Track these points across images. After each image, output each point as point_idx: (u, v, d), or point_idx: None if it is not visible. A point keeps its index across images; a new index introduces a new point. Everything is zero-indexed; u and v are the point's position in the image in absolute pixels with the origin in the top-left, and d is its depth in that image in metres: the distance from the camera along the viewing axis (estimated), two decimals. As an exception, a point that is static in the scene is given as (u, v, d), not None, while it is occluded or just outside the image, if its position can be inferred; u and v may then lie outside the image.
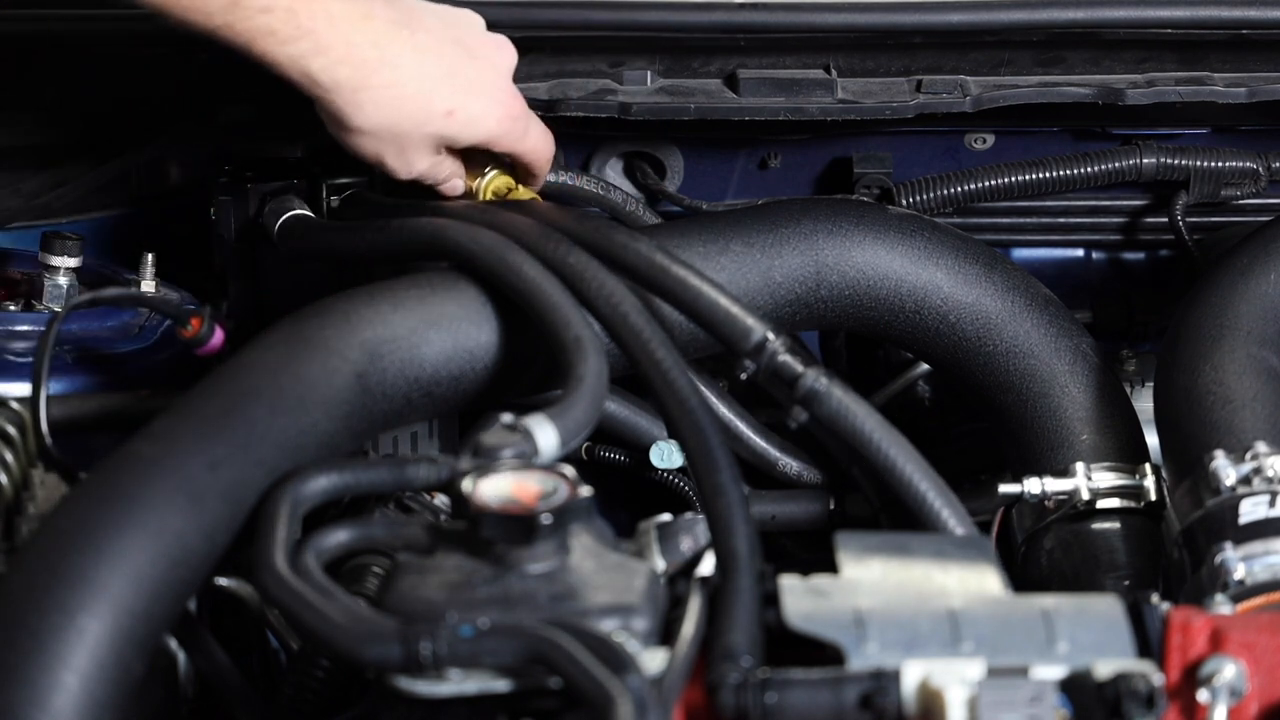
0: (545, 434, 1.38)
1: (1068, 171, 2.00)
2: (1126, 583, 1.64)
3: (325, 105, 1.64)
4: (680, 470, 2.01)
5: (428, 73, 1.65)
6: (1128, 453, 1.73)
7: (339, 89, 1.62)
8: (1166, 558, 1.60)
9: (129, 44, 1.88)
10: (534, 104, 1.90)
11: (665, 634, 1.27)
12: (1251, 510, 1.51)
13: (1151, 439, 1.75)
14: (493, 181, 1.78)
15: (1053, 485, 1.69)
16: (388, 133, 1.66)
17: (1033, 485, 1.69)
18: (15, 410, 1.53)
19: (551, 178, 1.96)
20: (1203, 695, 1.24)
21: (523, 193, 1.80)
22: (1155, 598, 1.28)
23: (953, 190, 2.01)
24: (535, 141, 1.77)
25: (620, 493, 2.07)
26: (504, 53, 1.74)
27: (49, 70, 1.95)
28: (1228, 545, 1.50)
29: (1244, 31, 1.89)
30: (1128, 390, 1.84)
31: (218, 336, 1.67)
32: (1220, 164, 2.01)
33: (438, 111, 1.67)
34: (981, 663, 1.22)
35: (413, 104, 1.65)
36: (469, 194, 1.78)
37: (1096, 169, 2.00)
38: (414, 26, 1.65)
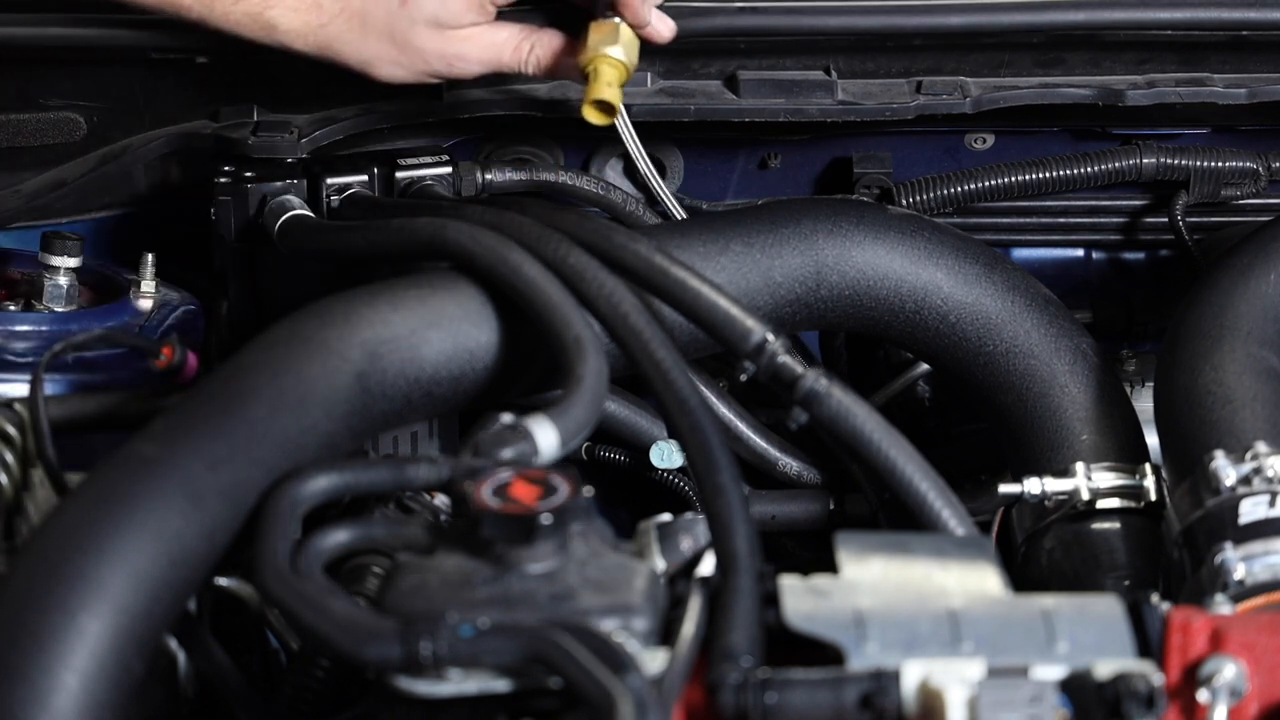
0: (545, 434, 1.38)
1: (1068, 171, 2.00)
2: (1126, 583, 1.64)
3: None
4: (680, 470, 2.01)
5: None
6: (1128, 453, 1.73)
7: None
8: (1166, 558, 1.60)
9: (129, 45, 1.88)
10: (534, 104, 1.91)
11: (665, 634, 1.27)
12: (1251, 510, 1.51)
13: (1151, 439, 1.75)
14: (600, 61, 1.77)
15: (1053, 485, 1.69)
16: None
17: (1033, 485, 1.69)
18: (15, 410, 1.53)
19: (551, 178, 1.96)
20: (1203, 695, 1.24)
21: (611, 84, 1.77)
22: (1155, 598, 1.28)
23: (953, 190, 2.01)
24: None
25: (620, 493, 2.07)
26: None
27: (49, 71, 1.95)
28: (1228, 545, 1.50)
29: (1244, 32, 1.89)
30: (1128, 390, 1.84)
31: (191, 362, 1.66)
32: (1220, 164, 2.01)
33: None
34: (981, 663, 1.22)
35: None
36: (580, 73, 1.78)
37: (1096, 169, 2.00)
38: None
